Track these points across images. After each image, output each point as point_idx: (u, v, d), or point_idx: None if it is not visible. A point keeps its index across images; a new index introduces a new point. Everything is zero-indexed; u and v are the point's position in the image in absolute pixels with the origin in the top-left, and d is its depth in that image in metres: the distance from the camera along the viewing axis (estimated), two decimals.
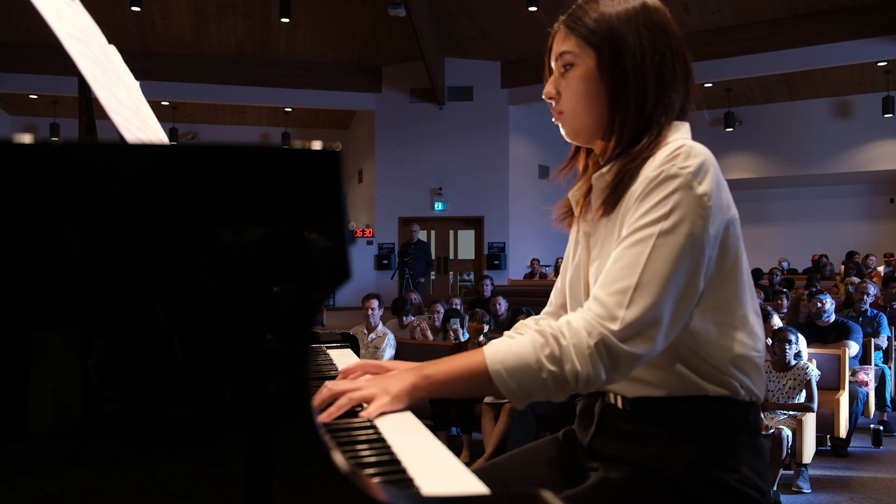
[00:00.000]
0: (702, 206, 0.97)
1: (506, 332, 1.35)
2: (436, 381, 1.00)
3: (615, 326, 0.95)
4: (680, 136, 1.07)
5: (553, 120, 1.16)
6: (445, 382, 1.01)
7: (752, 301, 1.07)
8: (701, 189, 0.97)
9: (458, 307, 6.45)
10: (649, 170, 1.01)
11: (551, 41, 1.15)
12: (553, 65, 1.14)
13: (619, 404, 1.09)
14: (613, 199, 1.07)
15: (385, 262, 13.30)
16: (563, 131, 1.16)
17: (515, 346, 0.99)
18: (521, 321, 1.37)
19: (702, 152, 1.00)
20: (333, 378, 1.31)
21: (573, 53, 1.10)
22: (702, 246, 0.97)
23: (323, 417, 0.94)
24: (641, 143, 1.06)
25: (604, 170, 1.09)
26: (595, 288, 1.00)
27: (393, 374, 1.03)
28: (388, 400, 0.97)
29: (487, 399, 4.53)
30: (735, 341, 1.04)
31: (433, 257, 11.32)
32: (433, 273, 10.84)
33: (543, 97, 1.16)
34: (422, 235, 13.04)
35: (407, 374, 1.01)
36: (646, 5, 1.09)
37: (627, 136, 1.07)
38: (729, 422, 1.03)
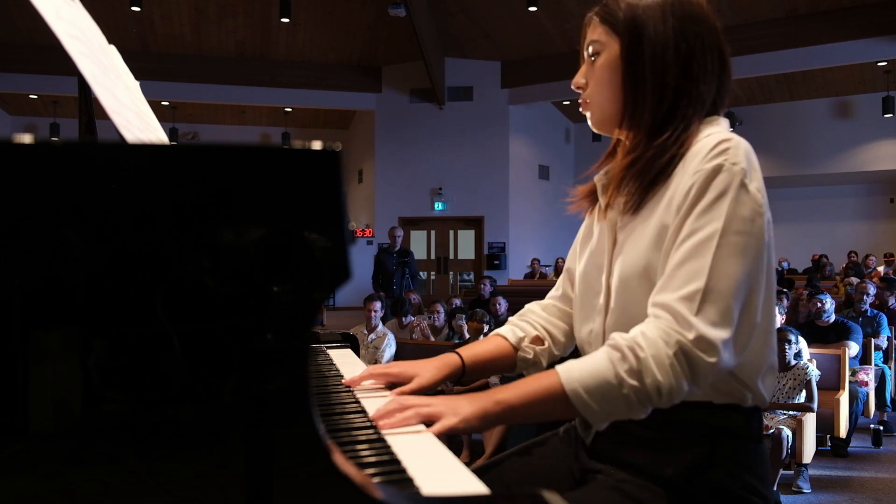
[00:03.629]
0: (756, 203, 0.95)
1: (510, 319, 1.33)
2: (509, 406, 0.95)
3: (691, 335, 0.90)
4: (717, 130, 1.04)
5: (580, 110, 1.15)
6: (520, 407, 0.95)
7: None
8: (753, 186, 0.95)
9: (459, 307, 6.45)
10: (695, 162, 0.98)
11: (584, 31, 1.14)
12: (584, 54, 1.13)
13: None
14: (642, 193, 1.04)
15: None
16: (589, 121, 1.15)
17: (591, 363, 0.94)
18: (527, 306, 1.34)
19: (747, 148, 0.98)
20: (333, 377, 1.31)
21: (600, 42, 1.09)
22: (761, 244, 0.96)
23: (384, 426, 0.92)
24: (664, 135, 1.04)
25: (632, 163, 1.06)
26: (658, 294, 0.96)
27: (462, 396, 0.97)
28: (456, 421, 0.92)
29: None
30: (766, 347, 1.03)
31: (416, 268, 8.67)
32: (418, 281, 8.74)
33: (572, 87, 1.15)
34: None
35: (477, 398, 0.96)
36: None
37: (646, 126, 1.05)
38: (732, 429, 1.02)
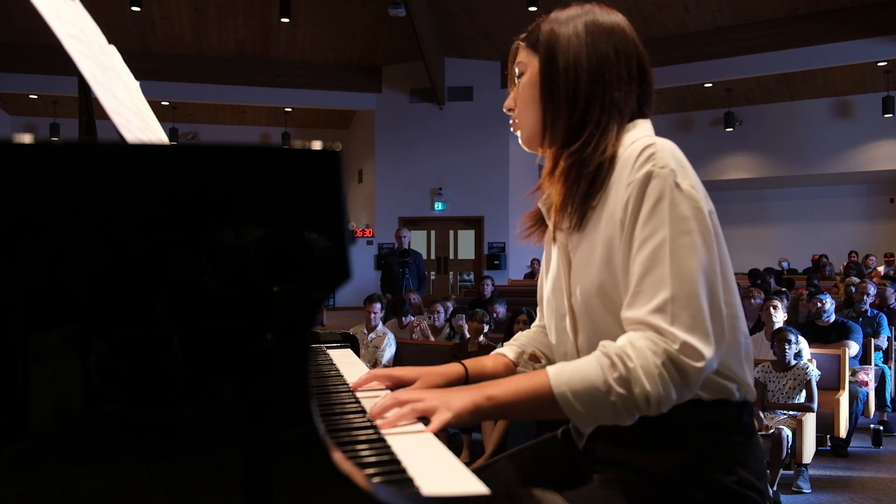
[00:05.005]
0: (693, 200, 0.98)
1: (506, 343, 1.38)
2: (498, 403, 0.98)
3: (676, 345, 0.93)
4: (641, 134, 1.07)
5: (512, 131, 1.19)
6: (508, 404, 0.98)
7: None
8: (686, 184, 0.98)
9: (451, 310, 6.42)
10: (626, 174, 1.01)
11: (511, 57, 1.18)
12: (512, 80, 1.18)
13: None
14: (581, 208, 1.07)
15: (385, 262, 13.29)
16: (520, 141, 1.19)
17: (581, 368, 0.96)
18: (520, 332, 1.39)
19: (670, 147, 1.01)
20: (333, 377, 1.31)
21: (523, 63, 1.14)
22: (708, 238, 0.98)
23: (383, 424, 0.93)
24: (579, 141, 1.07)
25: (565, 179, 1.09)
26: (629, 310, 0.98)
27: (454, 390, 1.01)
28: (449, 416, 0.94)
29: None
30: (736, 332, 1.04)
31: (424, 268, 8.55)
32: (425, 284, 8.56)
33: (504, 110, 1.19)
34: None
35: (468, 393, 0.99)
36: (593, 13, 1.11)
37: (560, 133, 1.09)
38: (723, 423, 1.03)
